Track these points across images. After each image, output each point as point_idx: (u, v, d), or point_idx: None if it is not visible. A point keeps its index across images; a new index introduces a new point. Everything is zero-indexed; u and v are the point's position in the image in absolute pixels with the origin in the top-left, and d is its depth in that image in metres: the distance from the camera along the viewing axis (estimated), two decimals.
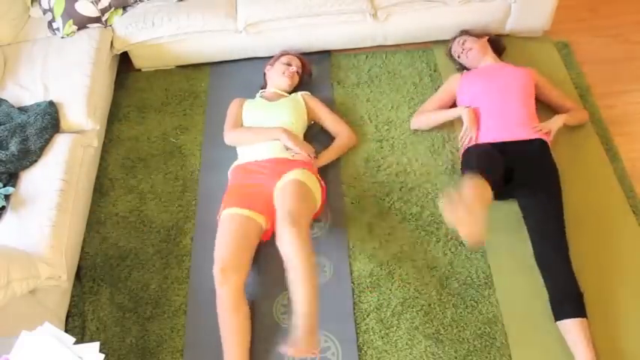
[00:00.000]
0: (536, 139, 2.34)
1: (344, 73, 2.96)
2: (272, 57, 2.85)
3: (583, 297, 2.00)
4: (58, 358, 1.47)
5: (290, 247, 1.97)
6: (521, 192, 2.24)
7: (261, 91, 2.74)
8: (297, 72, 2.74)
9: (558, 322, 2.00)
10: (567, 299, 2.00)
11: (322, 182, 2.35)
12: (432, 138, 2.63)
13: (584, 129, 2.59)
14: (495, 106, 2.42)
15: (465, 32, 2.85)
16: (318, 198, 2.28)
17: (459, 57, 2.78)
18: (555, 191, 2.22)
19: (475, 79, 2.56)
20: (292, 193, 2.14)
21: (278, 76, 2.68)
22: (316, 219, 2.38)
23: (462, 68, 2.80)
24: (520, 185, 2.24)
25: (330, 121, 2.62)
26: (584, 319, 1.97)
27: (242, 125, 2.55)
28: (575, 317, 1.97)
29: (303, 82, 2.85)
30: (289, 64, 2.72)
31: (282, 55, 2.79)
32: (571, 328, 1.96)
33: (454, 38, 2.85)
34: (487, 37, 2.77)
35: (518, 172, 2.25)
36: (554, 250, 2.08)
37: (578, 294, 2.00)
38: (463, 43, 2.75)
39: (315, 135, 2.67)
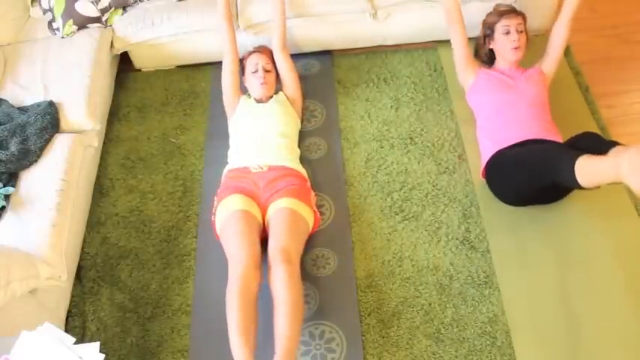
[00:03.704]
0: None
1: (344, 73, 2.96)
2: None
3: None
4: (58, 358, 1.47)
5: (281, 284, 1.98)
6: None
7: (247, 94, 2.65)
8: (268, 70, 2.58)
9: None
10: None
11: (317, 212, 2.33)
12: (432, 138, 2.63)
13: (584, 130, 2.58)
14: (513, 115, 2.35)
15: (520, 13, 2.54)
16: (311, 223, 2.27)
17: (507, 33, 2.46)
18: None
19: (490, 85, 2.47)
20: (285, 225, 2.14)
21: (255, 89, 2.57)
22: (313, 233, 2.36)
23: (488, 57, 2.64)
24: None
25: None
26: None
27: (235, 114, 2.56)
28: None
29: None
30: (256, 71, 2.57)
31: (244, 59, 2.64)
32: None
33: (501, 14, 2.52)
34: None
35: None
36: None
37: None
38: (521, 24, 2.48)
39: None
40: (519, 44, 2.48)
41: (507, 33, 2.48)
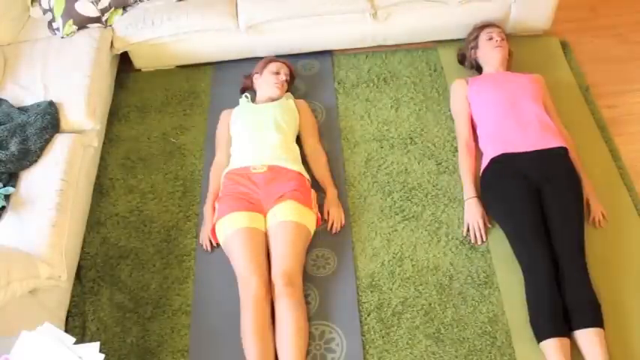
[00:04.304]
0: (557, 147, 2.27)
1: (344, 73, 2.96)
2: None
3: (601, 307, 1.98)
4: (58, 358, 1.47)
5: (284, 306, 2.02)
6: (549, 208, 2.18)
7: (245, 95, 2.68)
8: (287, 80, 2.68)
9: (575, 332, 1.95)
10: (585, 308, 1.96)
11: (317, 212, 2.33)
12: (432, 138, 2.63)
13: (584, 129, 2.59)
14: (510, 113, 2.36)
15: (495, 25, 2.72)
16: (313, 227, 2.29)
17: (490, 38, 2.61)
18: (580, 204, 2.18)
19: (485, 86, 2.50)
20: (287, 244, 2.16)
21: (269, 87, 2.61)
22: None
23: (475, 67, 2.74)
24: (548, 205, 2.17)
25: (309, 130, 2.59)
26: (602, 329, 1.94)
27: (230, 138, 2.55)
28: (594, 327, 1.93)
29: (291, 90, 2.80)
30: (278, 73, 2.64)
31: (269, 62, 2.71)
32: (589, 338, 1.92)
33: (482, 27, 2.71)
34: None
35: (547, 191, 2.19)
36: (574, 260, 2.06)
37: (597, 303, 1.98)
38: (502, 33, 2.65)
39: None
40: (502, 44, 2.60)
41: (490, 39, 2.62)
